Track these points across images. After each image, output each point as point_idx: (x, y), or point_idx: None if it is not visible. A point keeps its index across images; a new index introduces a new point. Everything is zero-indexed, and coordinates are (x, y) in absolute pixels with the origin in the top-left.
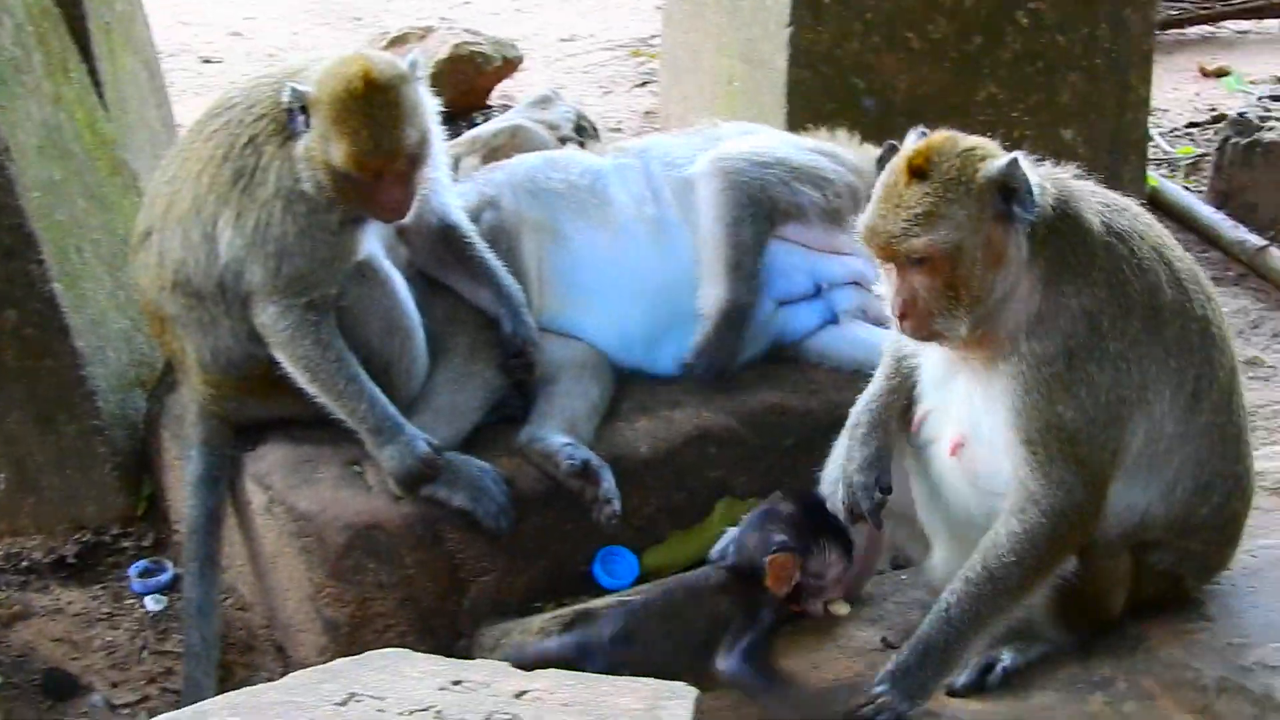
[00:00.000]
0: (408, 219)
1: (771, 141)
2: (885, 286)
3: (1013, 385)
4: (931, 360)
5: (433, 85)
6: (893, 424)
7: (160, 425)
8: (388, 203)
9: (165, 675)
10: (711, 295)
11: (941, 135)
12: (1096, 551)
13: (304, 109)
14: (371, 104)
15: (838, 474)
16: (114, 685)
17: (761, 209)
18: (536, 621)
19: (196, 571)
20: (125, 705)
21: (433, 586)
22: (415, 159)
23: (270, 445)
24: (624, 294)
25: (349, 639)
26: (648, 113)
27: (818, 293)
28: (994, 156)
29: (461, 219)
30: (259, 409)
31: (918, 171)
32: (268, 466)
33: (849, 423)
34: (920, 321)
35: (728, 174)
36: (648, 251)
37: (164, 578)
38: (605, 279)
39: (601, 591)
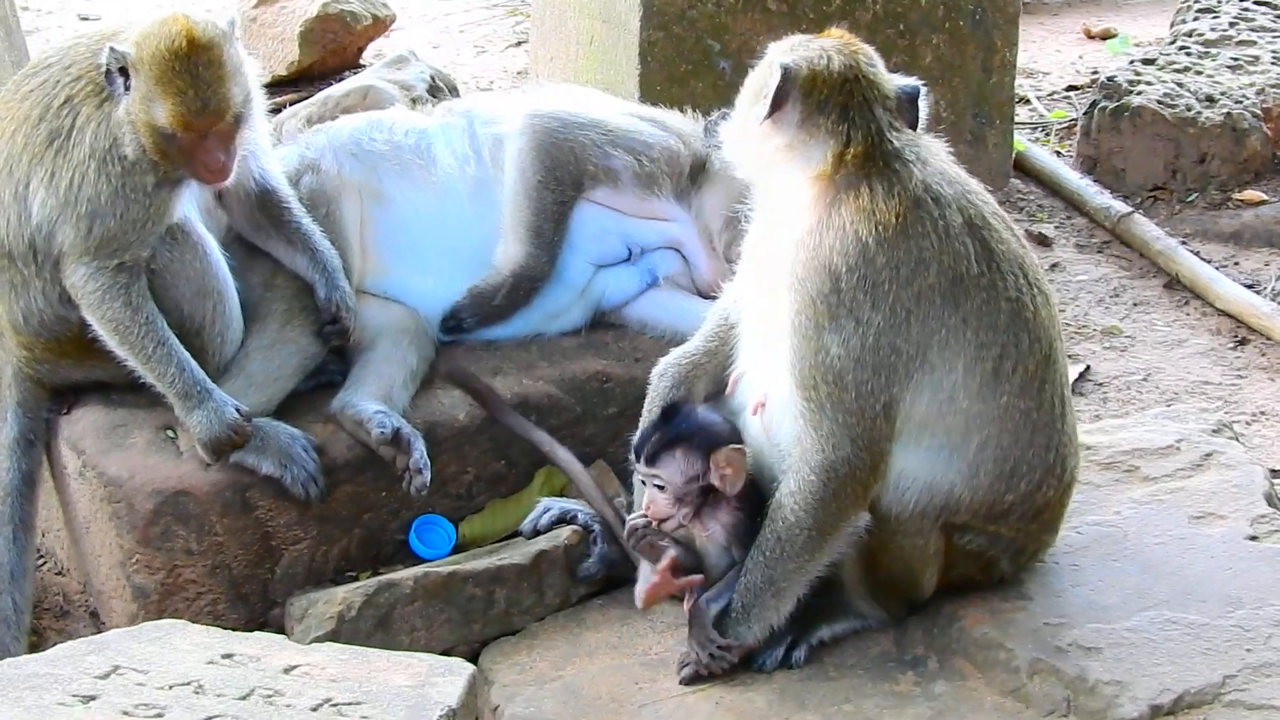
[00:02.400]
0: (229, 182)
1: (589, 102)
2: None
3: (789, 307)
4: (749, 323)
5: (300, 44)
6: (699, 386)
7: None
8: (211, 164)
9: None
10: (506, 254)
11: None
12: (901, 528)
13: (123, 70)
14: (195, 63)
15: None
16: None
17: (568, 172)
18: (340, 592)
19: (10, 535)
20: None
21: (244, 554)
22: (239, 118)
23: (85, 409)
24: (446, 255)
25: (159, 606)
26: (519, 73)
27: (630, 257)
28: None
29: (280, 183)
30: (73, 372)
31: None
32: (81, 430)
33: (655, 371)
34: None
35: (537, 131)
36: (470, 212)
37: None
38: (428, 241)
39: (418, 561)
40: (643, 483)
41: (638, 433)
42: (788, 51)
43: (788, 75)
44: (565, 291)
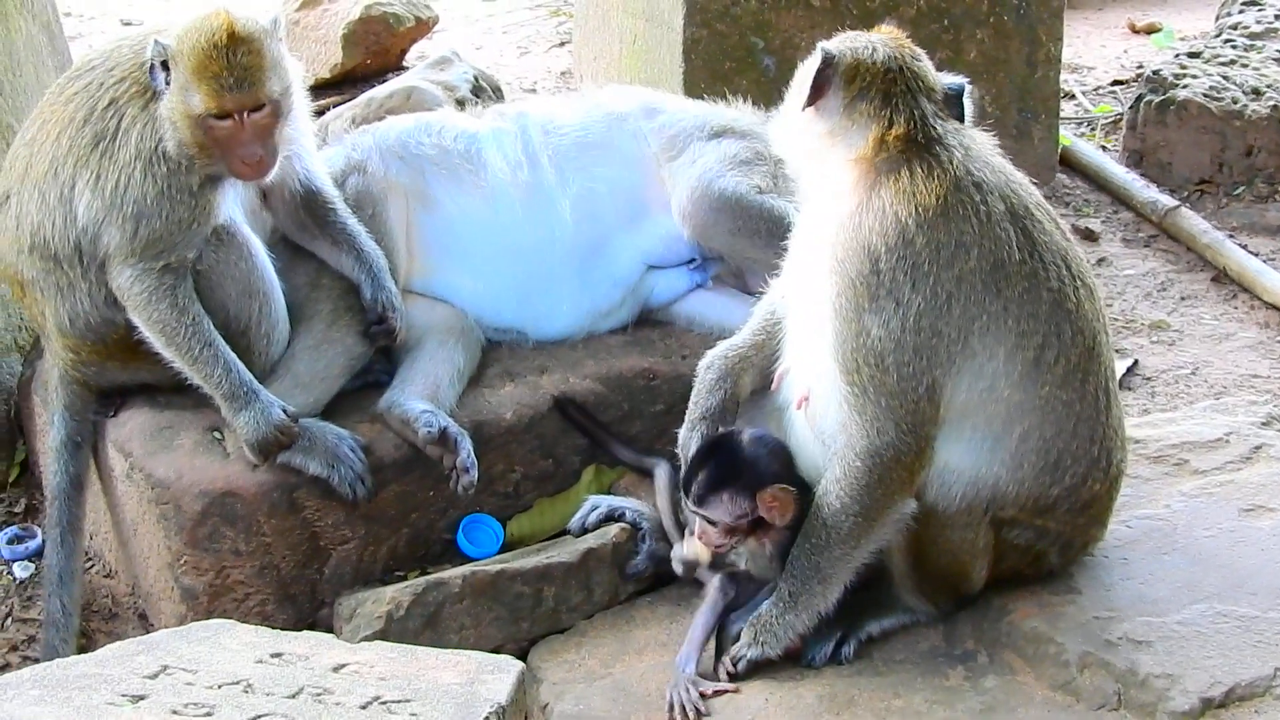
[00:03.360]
0: (270, 178)
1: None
2: None
3: (830, 290)
4: (795, 316)
5: (343, 47)
6: (746, 379)
7: (31, 390)
8: (248, 157)
9: (27, 644)
10: None
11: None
12: (950, 521)
13: (165, 64)
14: (233, 51)
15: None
16: None
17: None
18: (389, 591)
19: (58, 538)
20: None
21: (291, 555)
22: (277, 109)
23: (132, 411)
24: (495, 255)
25: (208, 607)
26: (563, 73)
27: (693, 263)
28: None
29: (325, 184)
30: (119, 374)
31: None
32: (128, 433)
33: (701, 364)
34: None
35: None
36: (521, 216)
37: (32, 545)
38: (477, 244)
39: (465, 560)
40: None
41: (683, 467)
42: (834, 42)
43: (829, 61)
44: (617, 290)
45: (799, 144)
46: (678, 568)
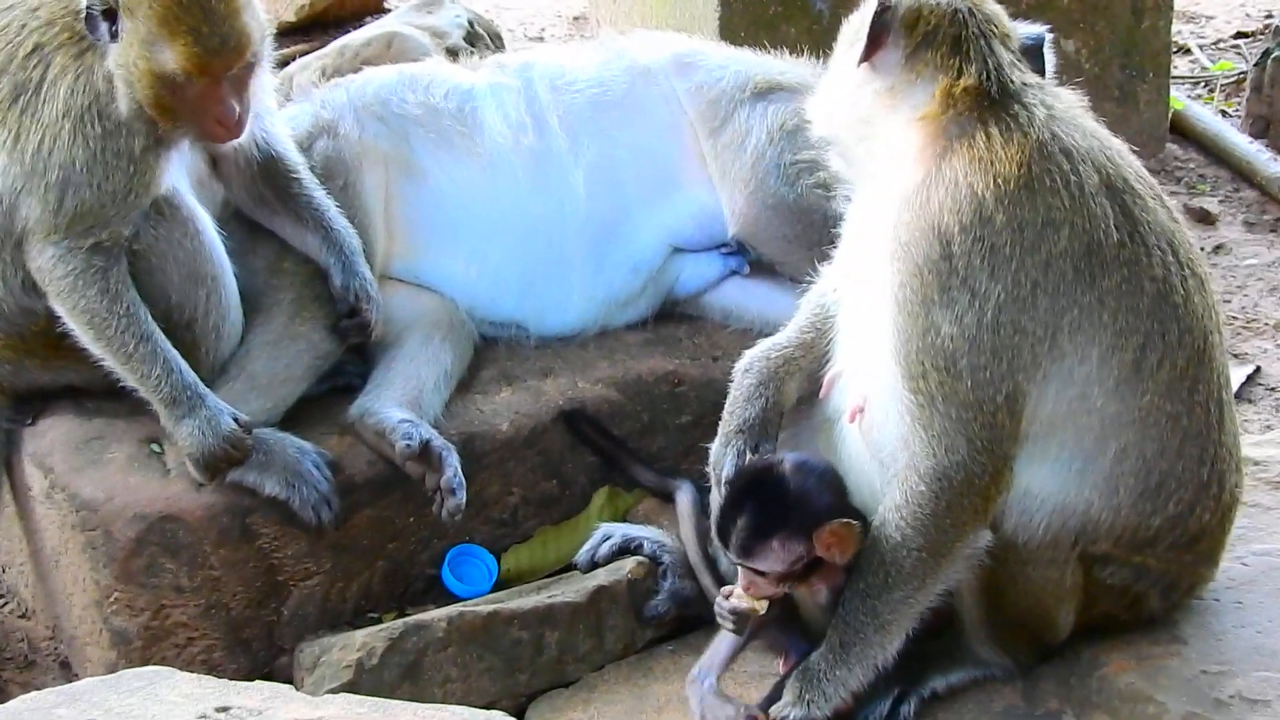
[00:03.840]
0: (243, 139)
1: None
2: None
3: (891, 281)
4: (848, 312)
5: None
6: (791, 385)
7: None
8: (225, 116)
9: None
10: None
11: None
12: (1032, 557)
13: (108, 14)
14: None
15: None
16: None
17: None
18: (360, 636)
19: None
20: None
21: (244, 591)
22: (256, 59)
23: (53, 419)
24: (492, 234)
25: (142, 654)
26: (576, 18)
27: (728, 246)
28: None
29: (288, 149)
30: (39, 374)
31: None
32: (49, 444)
33: (739, 367)
34: None
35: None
36: (524, 188)
37: None
38: (471, 219)
39: (452, 600)
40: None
41: (716, 509)
42: None
43: (886, 5)
44: (637, 276)
45: (851, 110)
46: (726, 623)
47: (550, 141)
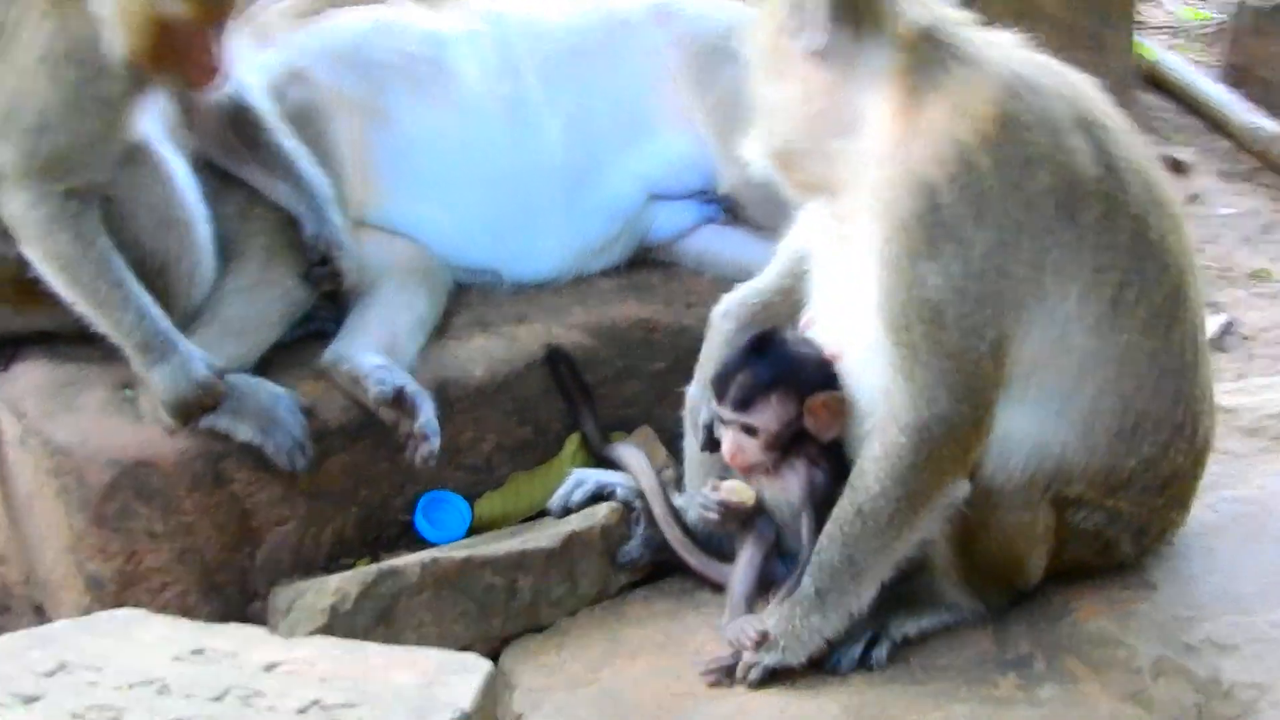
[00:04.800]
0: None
1: None
2: None
3: (874, 238)
4: (824, 257)
5: None
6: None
7: None
8: (210, 63)
9: None
10: None
11: None
12: (1005, 500)
13: None
14: None
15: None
16: None
17: None
18: (334, 581)
19: None
20: None
21: (218, 536)
22: (241, 9)
23: (26, 364)
24: (466, 181)
25: (116, 598)
26: None
27: (705, 195)
28: None
29: (257, 97)
30: (11, 320)
31: None
32: (22, 390)
33: (716, 311)
34: None
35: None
36: (498, 135)
37: None
38: (443, 165)
39: (425, 545)
40: (722, 424)
41: (717, 367)
42: None
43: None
44: (613, 223)
45: (808, 112)
46: (712, 513)
47: (525, 90)
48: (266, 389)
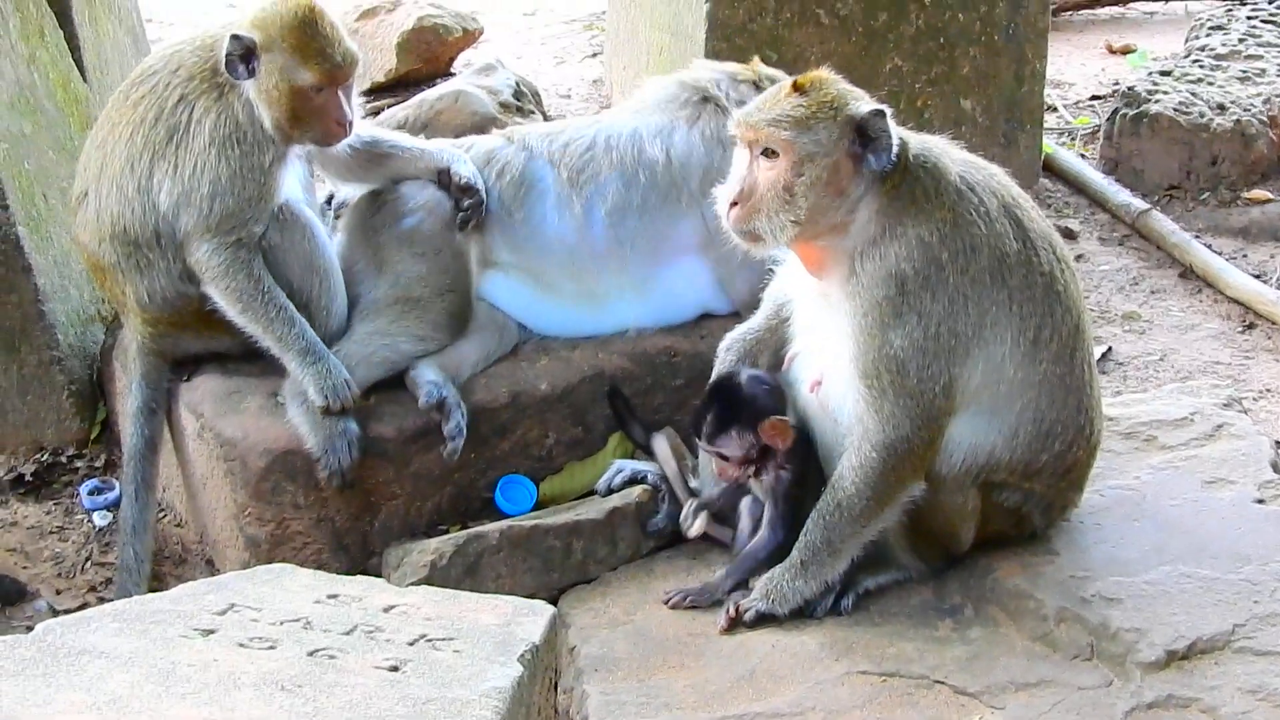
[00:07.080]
0: (352, 138)
1: None
2: (732, 175)
3: (851, 310)
4: (803, 305)
5: (398, 54)
6: (762, 360)
7: (112, 357)
8: (344, 118)
9: (105, 585)
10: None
11: (830, 73)
12: (945, 486)
13: (244, 56)
14: (324, 23)
15: None
16: (58, 593)
17: None
18: (433, 543)
19: (133, 494)
20: (65, 611)
21: (345, 508)
22: (358, 75)
23: (203, 377)
24: (548, 296)
25: (269, 554)
26: (595, 81)
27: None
28: (863, 101)
29: (375, 130)
30: (193, 343)
31: (800, 88)
32: (200, 396)
33: (722, 345)
34: (747, 213)
35: None
36: (577, 270)
37: (111, 496)
38: (531, 278)
39: (501, 516)
40: (707, 452)
41: (695, 410)
42: (847, 101)
43: (881, 121)
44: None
45: (835, 212)
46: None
47: (596, 240)
48: (345, 421)
